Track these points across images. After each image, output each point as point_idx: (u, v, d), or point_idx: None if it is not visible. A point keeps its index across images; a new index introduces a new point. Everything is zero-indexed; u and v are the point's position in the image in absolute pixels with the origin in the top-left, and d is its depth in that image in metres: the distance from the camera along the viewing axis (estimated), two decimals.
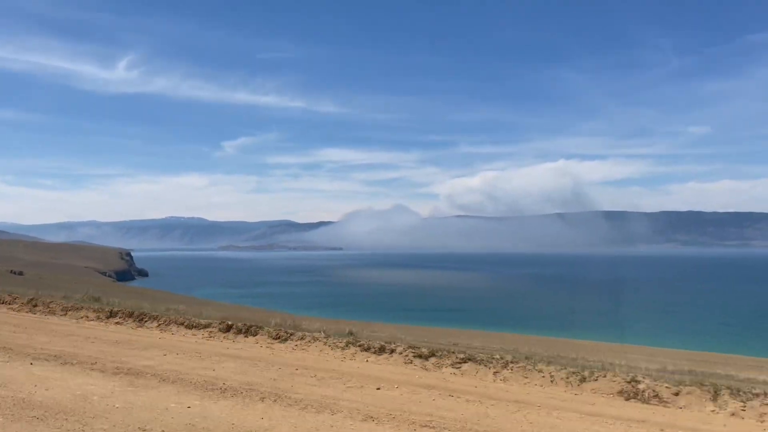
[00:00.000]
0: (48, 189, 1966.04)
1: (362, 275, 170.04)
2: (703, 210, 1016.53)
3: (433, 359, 10.31)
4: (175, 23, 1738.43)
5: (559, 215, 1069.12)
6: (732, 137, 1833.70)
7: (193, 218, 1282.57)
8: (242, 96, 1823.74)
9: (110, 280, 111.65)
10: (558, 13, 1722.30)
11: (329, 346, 11.40)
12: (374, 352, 10.89)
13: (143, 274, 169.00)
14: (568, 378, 9.21)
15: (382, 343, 11.04)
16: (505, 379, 9.47)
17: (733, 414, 7.90)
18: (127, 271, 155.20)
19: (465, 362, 10.03)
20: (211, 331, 12.93)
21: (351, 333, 12.04)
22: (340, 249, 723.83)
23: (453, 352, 10.38)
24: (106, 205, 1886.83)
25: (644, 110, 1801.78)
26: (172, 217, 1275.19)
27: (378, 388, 8.53)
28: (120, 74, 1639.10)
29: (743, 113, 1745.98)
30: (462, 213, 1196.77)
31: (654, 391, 8.51)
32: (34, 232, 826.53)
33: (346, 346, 11.24)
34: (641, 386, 8.63)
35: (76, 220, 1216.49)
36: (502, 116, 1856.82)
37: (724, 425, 7.49)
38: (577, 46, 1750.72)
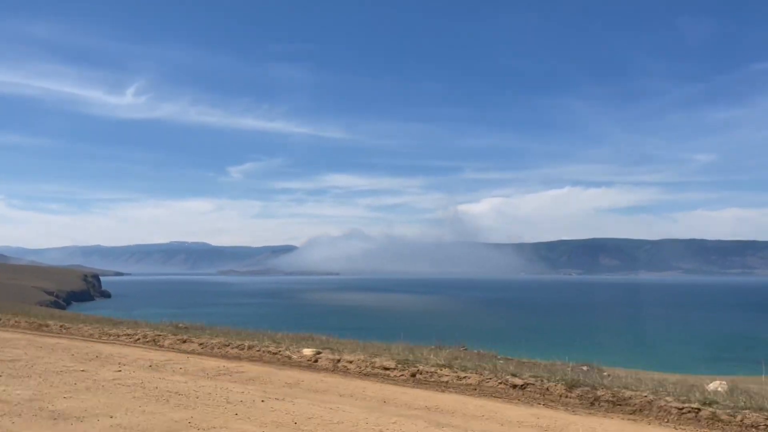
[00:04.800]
0: (54, 213, 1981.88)
1: (313, 298, 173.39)
2: (707, 238, 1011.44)
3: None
4: (183, 50, 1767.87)
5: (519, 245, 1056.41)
6: (739, 165, 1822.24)
7: (196, 243, 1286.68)
8: (249, 121, 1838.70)
9: (50, 298, 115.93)
10: (562, 41, 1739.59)
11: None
12: None
13: (105, 295, 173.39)
14: None
15: None
16: None
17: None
18: (85, 291, 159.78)
19: None
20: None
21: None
22: (338, 274, 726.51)
23: None
24: (111, 230, 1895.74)
25: (650, 138, 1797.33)
26: (175, 242, 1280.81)
27: None
28: (128, 100, 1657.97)
29: (750, 141, 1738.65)
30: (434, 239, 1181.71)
31: None
32: (37, 256, 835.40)
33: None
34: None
35: (81, 244, 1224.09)
36: (507, 143, 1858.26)
37: None
38: (581, 74, 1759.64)
